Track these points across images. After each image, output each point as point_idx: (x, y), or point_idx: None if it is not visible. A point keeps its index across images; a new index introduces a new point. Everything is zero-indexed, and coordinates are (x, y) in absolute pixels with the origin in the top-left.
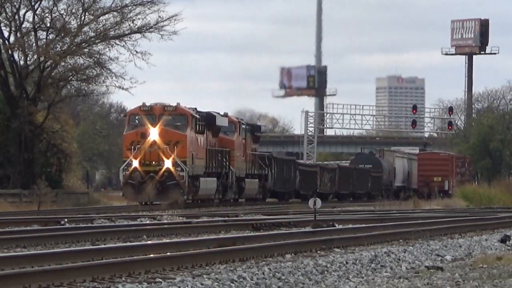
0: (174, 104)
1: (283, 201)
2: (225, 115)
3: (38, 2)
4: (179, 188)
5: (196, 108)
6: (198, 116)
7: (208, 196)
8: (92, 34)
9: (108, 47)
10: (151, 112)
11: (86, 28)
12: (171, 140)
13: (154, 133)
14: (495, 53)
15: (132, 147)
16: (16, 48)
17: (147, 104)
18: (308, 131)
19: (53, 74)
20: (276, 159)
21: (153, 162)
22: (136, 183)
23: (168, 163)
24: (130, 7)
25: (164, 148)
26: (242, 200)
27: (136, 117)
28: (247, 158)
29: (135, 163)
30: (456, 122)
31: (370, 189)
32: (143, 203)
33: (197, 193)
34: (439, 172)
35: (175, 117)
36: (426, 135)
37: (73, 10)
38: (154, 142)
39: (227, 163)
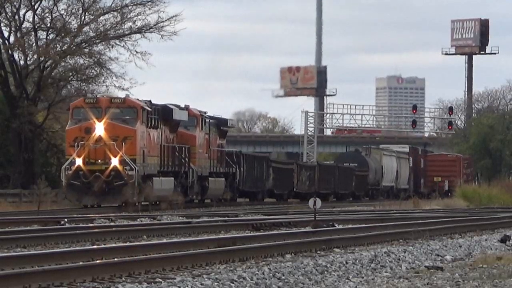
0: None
1: (255, 201)
2: (185, 108)
3: (38, 2)
4: (128, 189)
5: (150, 101)
6: (149, 109)
7: (164, 198)
8: (92, 34)
9: (108, 47)
10: (97, 105)
11: (86, 28)
12: (118, 135)
13: (99, 128)
14: (495, 53)
15: (76, 143)
16: (16, 48)
17: (92, 95)
18: (308, 131)
19: (53, 74)
20: (246, 156)
21: (99, 160)
22: (80, 183)
23: (115, 161)
24: (130, 7)
25: (111, 145)
26: (207, 201)
27: (80, 111)
28: (212, 155)
29: (79, 162)
30: (456, 122)
31: (354, 189)
32: (88, 206)
33: (150, 194)
34: (448, 173)
35: (123, 110)
36: (426, 135)
37: (73, 10)
38: (100, 138)
39: (187, 160)
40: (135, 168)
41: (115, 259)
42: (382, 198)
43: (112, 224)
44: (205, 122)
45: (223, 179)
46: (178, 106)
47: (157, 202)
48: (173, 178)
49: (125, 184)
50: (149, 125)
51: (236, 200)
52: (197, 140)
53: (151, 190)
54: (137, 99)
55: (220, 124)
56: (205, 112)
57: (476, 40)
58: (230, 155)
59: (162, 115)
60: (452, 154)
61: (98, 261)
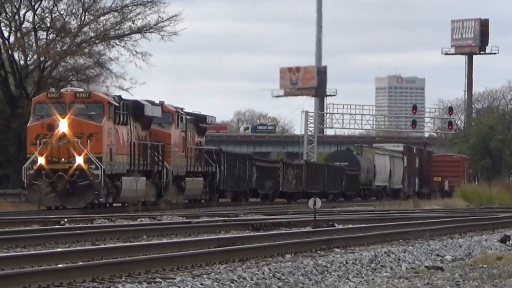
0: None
1: (237, 201)
2: (159, 104)
3: (38, 2)
4: (93, 190)
5: (120, 96)
6: (117, 104)
7: (135, 199)
8: (92, 34)
9: (108, 47)
10: (60, 100)
11: (86, 28)
12: (83, 132)
13: (63, 125)
14: (495, 53)
15: (38, 141)
16: (16, 48)
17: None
18: (308, 131)
19: (53, 74)
20: (227, 154)
21: (62, 159)
22: (42, 184)
23: (79, 160)
24: (130, 7)
25: (75, 142)
26: (186, 201)
27: (43, 106)
28: (189, 154)
29: (41, 161)
30: (456, 122)
31: (344, 189)
32: (52, 208)
33: (118, 195)
34: (453, 173)
35: (88, 105)
36: (426, 135)
37: (73, 10)
38: (63, 135)
39: (161, 159)
40: (101, 167)
41: (115, 259)
42: (375, 198)
43: (112, 224)
44: (182, 118)
45: (202, 179)
46: (151, 102)
47: (125, 204)
48: (145, 178)
49: (90, 184)
50: (117, 121)
51: (218, 201)
52: (172, 138)
53: (119, 191)
54: (104, 93)
55: (198, 121)
56: (182, 109)
57: (476, 40)
58: (210, 153)
59: (132, 111)
60: (456, 155)
61: (98, 261)
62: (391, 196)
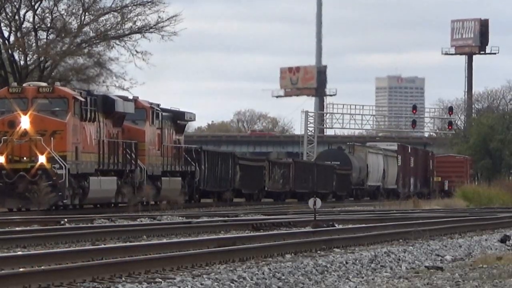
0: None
1: (220, 201)
2: (133, 99)
3: (38, 2)
4: (57, 190)
5: (88, 91)
6: (82, 99)
7: (104, 200)
8: (92, 34)
9: (108, 47)
10: (22, 95)
11: (86, 28)
12: (46, 129)
13: (25, 121)
14: (495, 53)
15: None
16: (16, 48)
17: (17, 85)
18: (308, 131)
19: (53, 74)
20: (207, 153)
21: (24, 158)
22: (2, 184)
23: (42, 159)
24: (130, 7)
25: (38, 140)
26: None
27: (4, 102)
28: (165, 152)
29: (1, 160)
30: (456, 122)
31: (335, 188)
32: (14, 210)
33: (85, 196)
34: (456, 173)
35: (52, 101)
36: (426, 135)
37: (74, 10)
38: (25, 132)
39: (134, 158)
40: (65, 167)
41: (115, 259)
42: (369, 198)
43: (112, 224)
44: (157, 115)
45: (180, 178)
46: (124, 97)
47: (98, 205)
48: (116, 178)
49: (54, 185)
50: (83, 117)
51: (200, 201)
52: (147, 135)
53: (87, 192)
54: (69, 88)
55: (176, 118)
56: (158, 105)
57: (476, 40)
58: (189, 152)
59: (102, 106)
60: (460, 155)
61: (98, 261)
62: (385, 196)
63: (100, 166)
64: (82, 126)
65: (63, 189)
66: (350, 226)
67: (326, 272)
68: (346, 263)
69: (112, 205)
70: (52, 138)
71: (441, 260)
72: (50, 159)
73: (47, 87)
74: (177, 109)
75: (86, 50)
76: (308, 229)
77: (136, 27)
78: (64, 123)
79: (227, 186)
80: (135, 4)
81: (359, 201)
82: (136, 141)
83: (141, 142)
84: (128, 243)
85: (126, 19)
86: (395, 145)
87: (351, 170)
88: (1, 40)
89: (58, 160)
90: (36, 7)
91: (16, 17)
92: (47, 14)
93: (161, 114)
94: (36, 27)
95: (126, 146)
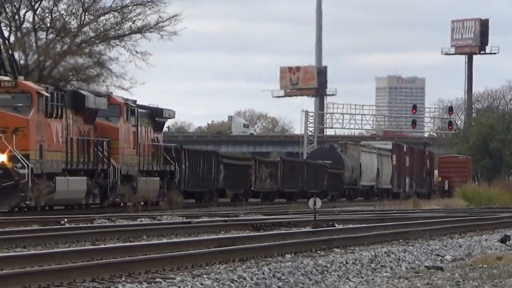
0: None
1: (203, 202)
2: (106, 95)
3: (38, 2)
4: (19, 191)
5: (57, 86)
6: (47, 94)
7: (73, 201)
8: (92, 34)
9: (108, 47)
10: None
11: (86, 28)
12: (8, 126)
13: None
14: (495, 53)
15: None
16: (16, 48)
17: None
18: (308, 131)
19: (53, 74)
20: (188, 151)
21: None
22: None
23: (3, 158)
24: (130, 7)
25: None
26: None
27: None
28: (142, 151)
29: None
30: (456, 122)
31: (326, 188)
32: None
33: (51, 197)
34: (459, 174)
35: (15, 96)
36: (426, 135)
37: (73, 10)
38: None
39: (107, 156)
40: (28, 166)
41: (115, 259)
42: (363, 198)
43: (112, 224)
44: (132, 112)
45: (158, 178)
46: (96, 93)
47: (69, 207)
48: (86, 178)
49: (15, 185)
50: (49, 114)
51: (182, 202)
52: (121, 133)
53: (53, 192)
54: (33, 82)
55: (154, 115)
56: (134, 101)
57: (476, 40)
58: (169, 150)
59: (71, 102)
60: (462, 156)
61: (98, 261)
62: (379, 196)
63: (68, 166)
64: (48, 123)
65: (26, 190)
66: (350, 226)
67: (326, 272)
68: (346, 263)
69: (83, 206)
70: (14, 136)
71: (441, 260)
72: (12, 158)
73: (10, 81)
74: (156, 106)
75: (86, 50)
76: (308, 229)
77: (136, 27)
78: (27, 120)
79: (210, 186)
80: (135, 4)
81: (351, 201)
82: (109, 138)
83: (115, 140)
84: (128, 243)
85: (126, 19)
86: (390, 144)
87: (343, 169)
88: (1, 40)
89: (21, 159)
90: (36, 7)
91: (16, 17)
92: (47, 14)
93: (137, 110)
94: (36, 27)
95: (98, 144)
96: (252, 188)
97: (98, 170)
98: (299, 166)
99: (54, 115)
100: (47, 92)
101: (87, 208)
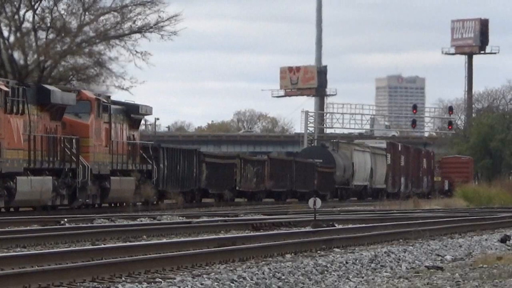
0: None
1: (186, 202)
2: (75, 90)
3: (38, 2)
4: None
5: (20, 81)
6: (7, 89)
7: (37, 202)
8: (92, 34)
9: (108, 47)
10: None
11: (86, 28)
12: None
13: None
14: (495, 53)
15: None
16: (16, 48)
17: None
18: (308, 131)
19: (53, 74)
20: (167, 150)
21: None
22: None
23: None
24: (130, 7)
25: None
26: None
27: None
28: (115, 149)
29: None
30: (456, 122)
31: (317, 188)
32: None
33: (12, 198)
34: (461, 174)
35: None
36: (426, 135)
37: (73, 10)
38: None
39: (75, 155)
40: None
41: (115, 259)
42: (356, 198)
43: (112, 224)
44: (105, 108)
45: (133, 178)
46: (64, 88)
47: (35, 208)
48: (51, 178)
49: None
50: (9, 110)
51: (163, 202)
52: (91, 130)
53: (13, 193)
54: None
55: (129, 112)
56: (107, 97)
57: (476, 40)
58: (146, 149)
59: (35, 98)
60: (465, 156)
61: (98, 261)
62: (373, 196)
63: (31, 165)
64: (7, 119)
65: None
66: (350, 226)
67: (326, 272)
68: (346, 263)
69: (49, 207)
70: None
71: (441, 260)
72: None
73: None
74: (132, 102)
75: (86, 50)
76: (308, 229)
77: (136, 27)
78: None
79: (191, 186)
80: (135, 4)
81: (343, 201)
82: (78, 136)
83: (85, 137)
84: (128, 243)
85: (126, 19)
86: (384, 142)
87: (334, 169)
88: (1, 40)
89: None
90: (36, 7)
91: (16, 17)
92: (47, 14)
93: (110, 107)
94: (36, 27)
95: (66, 141)
96: (237, 188)
97: (65, 169)
98: (287, 165)
99: (15, 111)
100: (7, 86)
101: (55, 210)
